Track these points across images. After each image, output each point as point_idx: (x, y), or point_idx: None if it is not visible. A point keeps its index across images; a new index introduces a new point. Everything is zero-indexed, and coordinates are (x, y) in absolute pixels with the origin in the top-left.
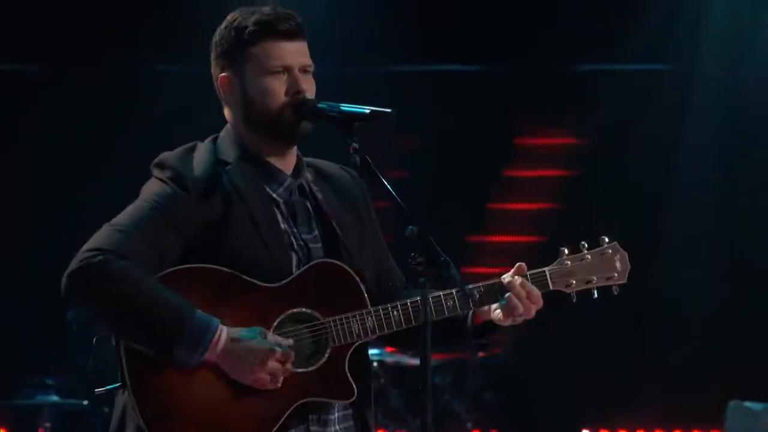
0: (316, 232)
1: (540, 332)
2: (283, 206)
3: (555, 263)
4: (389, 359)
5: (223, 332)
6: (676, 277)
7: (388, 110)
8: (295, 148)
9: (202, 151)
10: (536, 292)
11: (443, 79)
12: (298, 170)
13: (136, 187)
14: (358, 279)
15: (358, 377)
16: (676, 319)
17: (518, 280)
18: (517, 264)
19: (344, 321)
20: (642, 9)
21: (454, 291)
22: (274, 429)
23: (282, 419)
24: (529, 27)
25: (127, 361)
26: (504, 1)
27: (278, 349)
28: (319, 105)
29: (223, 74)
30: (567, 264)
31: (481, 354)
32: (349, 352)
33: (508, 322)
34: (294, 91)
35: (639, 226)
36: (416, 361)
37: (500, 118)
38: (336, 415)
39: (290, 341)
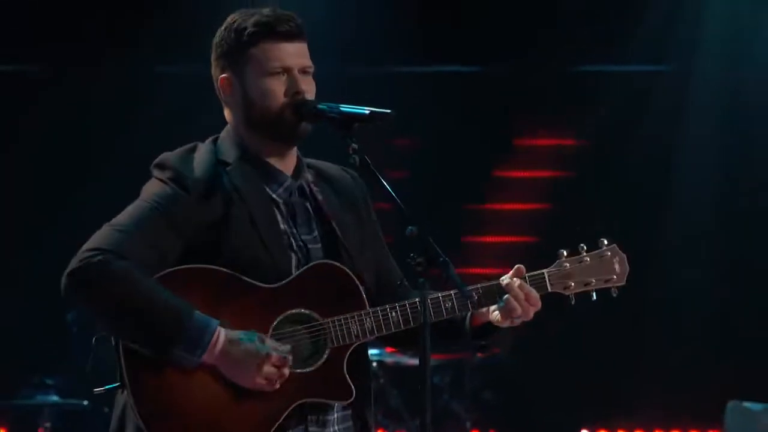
0: (316, 233)
1: (539, 333)
2: (282, 207)
3: (554, 265)
4: (389, 359)
5: (221, 334)
6: (675, 277)
7: (388, 111)
8: (296, 149)
9: (202, 152)
10: (535, 294)
11: (443, 80)
12: (298, 171)
13: (136, 187)
14: (357, 280)
15: (357, 378)
16: (675, 320)
17: (517, 281)
18: (516, 266)
19: (343, 322)
20: (642, 9)
21: (452, 293)
22: (273, 429)
23: (280, 420)
24: (529, 27)
25: (126, 360)
26: (504, 1)
27: (276, 354)
28: (319, 106)
29: (223, 75)
30: (566, 266)
31: (479, 354)
32: (348, 353)
33: (506, 324)
34: (294, 92)
35: (639, 226)
36: (415, 362)
37: (500, 118)
38: (335, 415)
39: (288, 347)
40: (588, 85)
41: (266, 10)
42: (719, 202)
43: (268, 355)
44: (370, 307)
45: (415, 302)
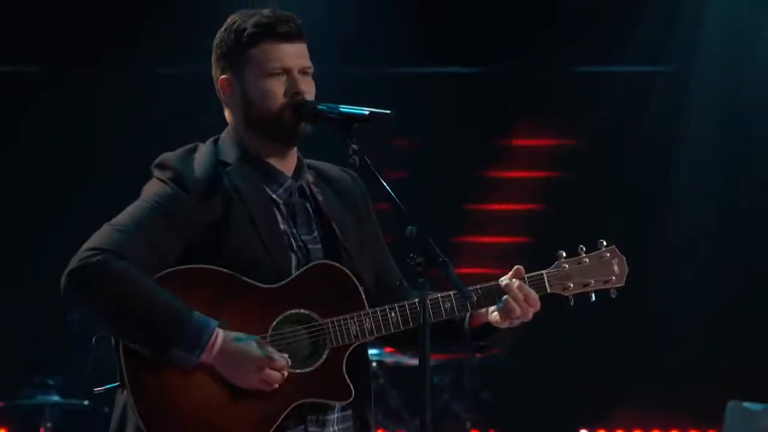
0: (316, 234)
1: (538, 334)
2: (283, 207)
3: (553, 266)
4: (388, 359)
5: (220, 335)
6: (675, 277)
7: (387, 112)
8: (296, 149)
9: (202, 152)
10: (534, 295)
11: (442, 80)
12: (298, 172)
13: (136, 187)
14: (356, 280)
15: (357, 378)
16: (674, 320)
17: (516, 282)
18: (515, 267)
19: (342, 322)
20: (642, 9)
21: (452, 293)
22: (272, 429)
23: (279, 420)
24: (529, 27)
25: (126, 360)
26: (504, 1)
27: (274, 357)
28: (319, 106)
29: (223, 76)
30: (564, 267)
31: (478, 355)
32: (347, 353)
33: (505, 325)
34: (293, 92)
35: (638, 226)
36: (415, 362)
37: (500, 119)
38: (335, 415)
39: (286, 356)
40: (588, 86)
41: (266, 11)
42: (719, 202)
43: (267, 358)
44: (369, 308)
45: (415, 303)
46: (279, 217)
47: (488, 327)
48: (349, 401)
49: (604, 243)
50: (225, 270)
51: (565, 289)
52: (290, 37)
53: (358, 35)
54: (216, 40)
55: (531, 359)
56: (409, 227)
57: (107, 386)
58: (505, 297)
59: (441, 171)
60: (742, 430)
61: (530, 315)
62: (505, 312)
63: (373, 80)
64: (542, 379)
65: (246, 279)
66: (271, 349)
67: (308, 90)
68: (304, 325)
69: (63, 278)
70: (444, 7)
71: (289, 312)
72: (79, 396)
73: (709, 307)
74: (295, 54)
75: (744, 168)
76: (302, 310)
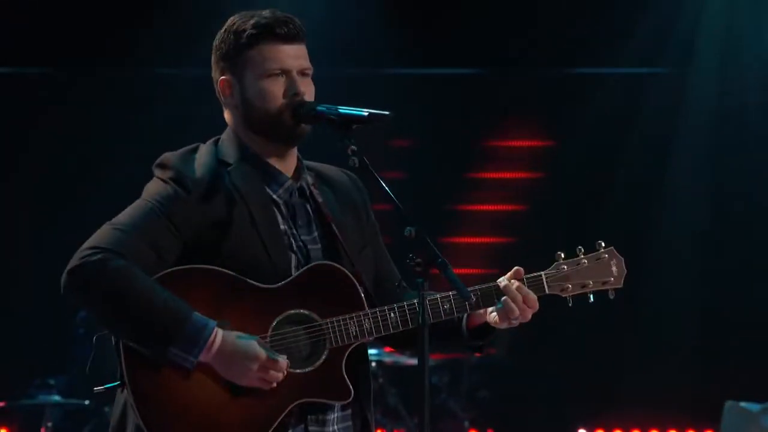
0: (316, 234)
1: (537, 333)
2: (283, 207)
3: (551, 267)
4: (387, 359)
5: (219, 335)
6: (673, 277)
7: (386, 112)
8: (296, 150)
9: (203, 152)
10: (532, 296)
11: (441, 82)
12: (298, 172)
13: (136, 188)
14: (356, 281)
15: (356, 378)
16: (672, 320)
17: (515, 283)
18: (514, 268)
19: (342, 322)
20: (639, 11)
21: (451, 294)
22: (272, 428)
23: (279, 419)
24: (524, 29)
25: (126, 359)
26: (501, 2)
27: (273, 357)
28: (318, 107)
29: (222, 77)
30: (563, 268)
31: (476, 355)
32: (347, 354)
33: (504, 325)
34: (292, 93)
35: (635, 226)
36: (414, 361)
37: (497, 120)
38: (335, 415)
39: (284, 357)
40: (584, 87)
41: (265, 12)
42: (716, 202)
43: (266, 358)
44: (368, 308)
45: (414, 303)
46: (279, 218)
47: (487, 327)
48: (348, 401)
49: (602, 244)
50: (225, 270)
51: (564, 290)
52: (289, 39)
53: (356, 36)
54: (216, 42)
55: (529, 359)
56: (408, 228)
57: (107, 385)
58: (503, 298)
59: (438, 172)
60: (739, 430)
61: (529, 316)
62: (503, 313)
63: (372, 81)
64: (540, 379)
65: (246, 279)
66: (269, 351)
67: (307, 91)
68: (304, 326)
69: (63, 277)
70: (442, 9)
71: (288, 312)
72: (80, 396)
73: (707, 307)
74: (294, 55)
75: (741, 169)
76: (302, 311)
